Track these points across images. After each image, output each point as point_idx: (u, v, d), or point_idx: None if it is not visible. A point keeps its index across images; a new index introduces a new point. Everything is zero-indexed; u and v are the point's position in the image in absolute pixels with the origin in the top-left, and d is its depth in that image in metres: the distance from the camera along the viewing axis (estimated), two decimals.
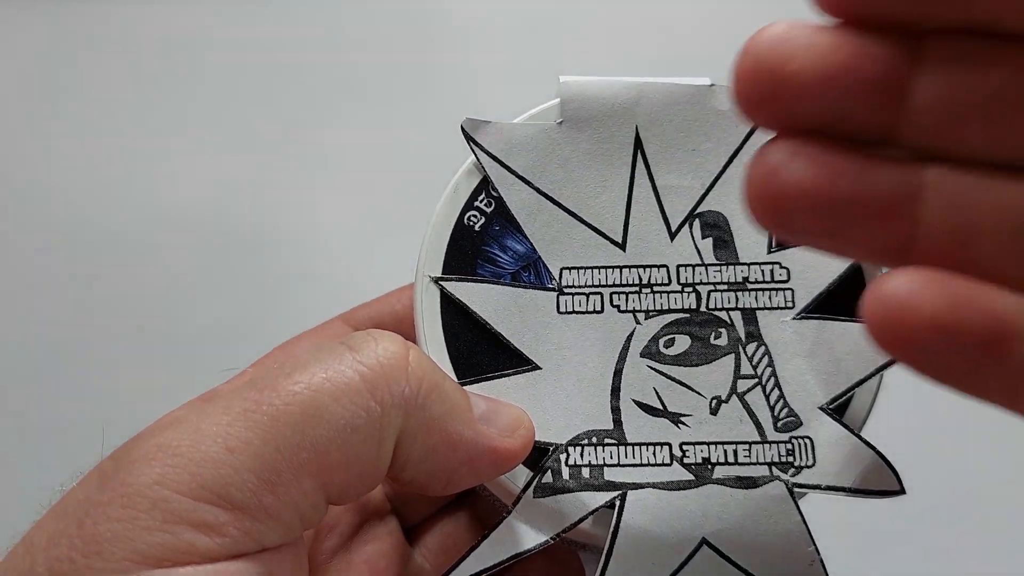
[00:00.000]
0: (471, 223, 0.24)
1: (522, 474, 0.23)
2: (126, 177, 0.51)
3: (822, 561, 0.22)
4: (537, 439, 0.23)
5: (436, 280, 0.24)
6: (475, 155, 0.24)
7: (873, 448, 0.23)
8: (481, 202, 0.24)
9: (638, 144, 0.25)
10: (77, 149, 0.51)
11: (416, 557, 0.26)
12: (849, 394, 0.23)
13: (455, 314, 0.24)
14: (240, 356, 0.25)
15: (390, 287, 0.28)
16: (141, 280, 0.48)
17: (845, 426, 0.23)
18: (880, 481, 0.22)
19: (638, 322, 0.24)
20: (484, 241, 0.24)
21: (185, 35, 0.53)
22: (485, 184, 0.24)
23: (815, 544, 0.22)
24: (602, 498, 0.22)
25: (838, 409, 0.23)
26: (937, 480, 0.44)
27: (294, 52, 0.53)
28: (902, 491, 0.22)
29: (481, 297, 0.24)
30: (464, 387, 0.23)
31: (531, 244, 0.24)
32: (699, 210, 0.24)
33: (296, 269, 0.46)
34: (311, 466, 0.18)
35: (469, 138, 0.24)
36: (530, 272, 0.24)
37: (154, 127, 0.52)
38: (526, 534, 0.22)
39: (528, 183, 0.24)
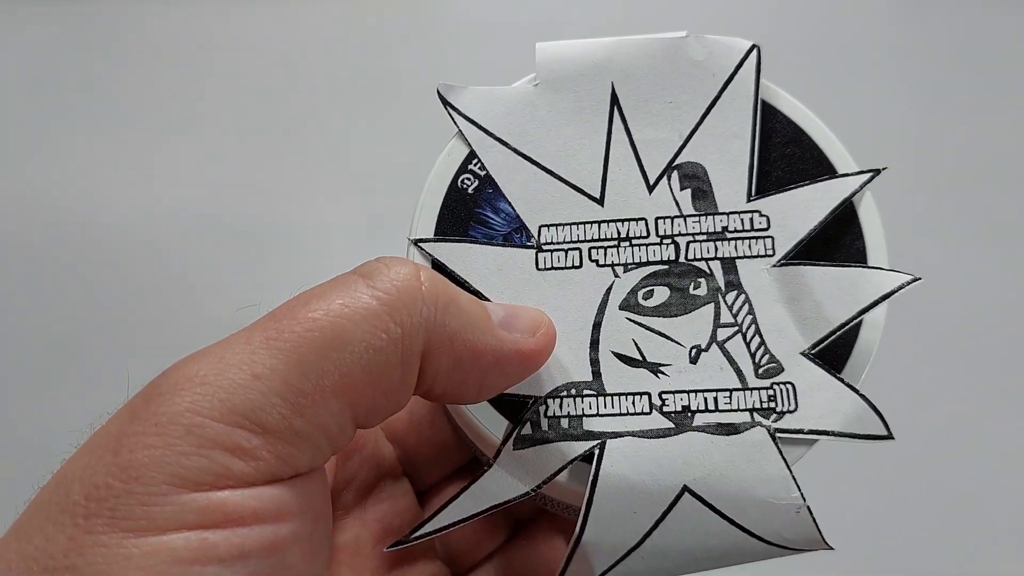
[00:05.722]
0: (464, 186, 0.25)
1: (503, 428, 0.23)
2: (126, 177, 0.52)
3: (809, 508, 0.21)
4: (517, 392, 0.23)
5: (415, 242, 0.24)
6: (452, 119, 0.25)
7: (856, 391, 0.22)
8: (475, 165, 0.25)
9: (614, 100, 0.25)
10: (77, 148, 0.52)
11: None
12: (831, 338, 0.23)
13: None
14: None
15: None
16: (140, 279, 0.48)
17: (827, 370, 0.22)
18: (866, 425, 0.22)
19: (617, 275, 0.24)
20: (477, 204, 0.24)
21: (185, 35, 0.54)
22: None
23: (801, 491, 0.22)
24: (580, 447, 0.22)
25: (821, 354, 0.23)
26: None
27: (294, 52, 0.54)
28: (890, 436, 0.22)
29: (460, 257, 0.24)
30: None
31: (510, 203, 0.24)
32: (677, 162, 0.24)
33: (296, 269, 0.46)
34: (337, 387, 0.18)
35: (445, 102, 0.25)
36: (522, 234, 0.24)
37: (154, 127, 0.52)
38: (506, 486, 0.22)
39: (505, 144, 0.25)
